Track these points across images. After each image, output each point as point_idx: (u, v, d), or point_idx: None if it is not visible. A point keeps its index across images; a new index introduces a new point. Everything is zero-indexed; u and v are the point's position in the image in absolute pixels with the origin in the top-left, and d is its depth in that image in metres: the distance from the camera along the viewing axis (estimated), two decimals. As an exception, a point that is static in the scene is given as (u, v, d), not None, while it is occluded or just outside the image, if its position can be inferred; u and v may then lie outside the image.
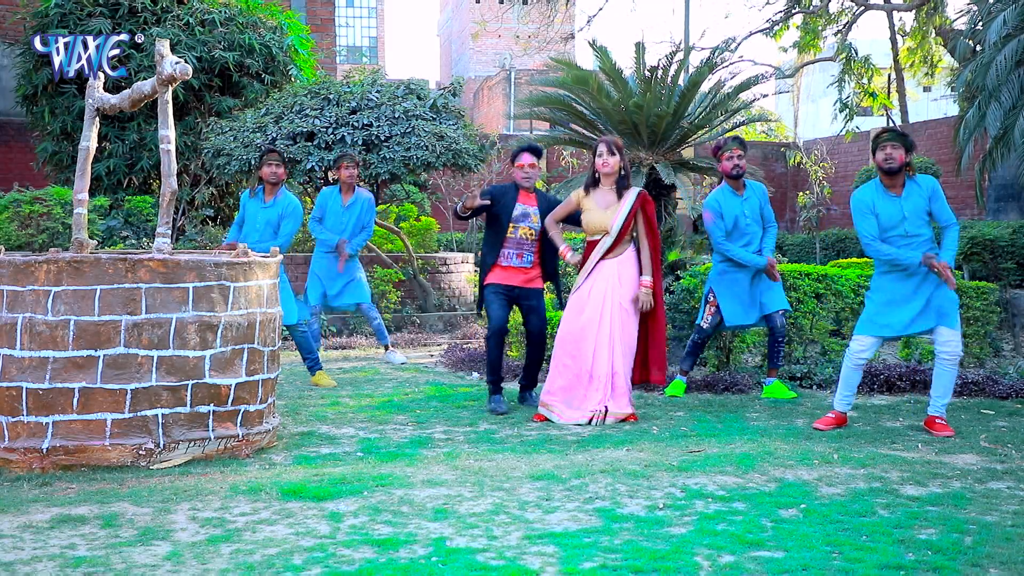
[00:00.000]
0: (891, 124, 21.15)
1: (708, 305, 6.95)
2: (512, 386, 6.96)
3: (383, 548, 3.55)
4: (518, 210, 6.37)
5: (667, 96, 8.99)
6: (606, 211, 6.15)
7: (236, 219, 7.55)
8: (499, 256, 6.38)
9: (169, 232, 5.17)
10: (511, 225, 6.34)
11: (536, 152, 6.43)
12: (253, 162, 10.15)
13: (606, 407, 5.98)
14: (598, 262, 6.15)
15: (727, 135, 7.82)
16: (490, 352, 6.38)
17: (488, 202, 6.37)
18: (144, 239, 11.10)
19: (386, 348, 8.75)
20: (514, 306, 6.52)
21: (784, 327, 6.88)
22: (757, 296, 6.85)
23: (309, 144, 10.41)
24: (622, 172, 6.19)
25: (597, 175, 6.22)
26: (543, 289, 6.57)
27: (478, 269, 6.58)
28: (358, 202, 8.27)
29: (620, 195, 6.18)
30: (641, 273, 6.15)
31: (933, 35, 18.42)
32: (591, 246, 6.24)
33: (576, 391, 6.07)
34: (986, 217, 15.63)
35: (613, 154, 6.14)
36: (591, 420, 5.95)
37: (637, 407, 6.33)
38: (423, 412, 6.35)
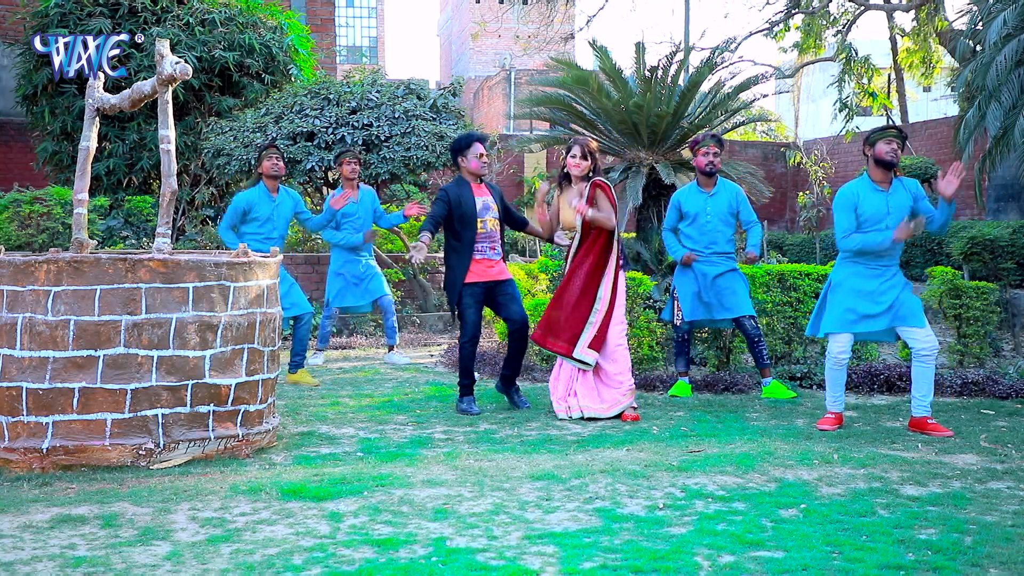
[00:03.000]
0: (891, 124, 21.16)
1: (675, 302, 7.00)
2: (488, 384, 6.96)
3: (383, 548, 3.55)
4: (480, 204, 6.32)
5: (667, 96, 9.00)
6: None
7: (231, 216, 7.24)
8: (473, 252, 6.30)
9: (169, 232, 5.17)
10: (479, 220, 6.30)
11: (485, 141, 6.53)
12: (253, 162, 10.15)
13: (576, 395, 6.05)
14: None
15: (710, 132, 7.83)
16: (465, 358, 6.32)
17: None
18: (144, 239, 11.11)
19: (390, 348, 8.73)
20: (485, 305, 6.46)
21: (755, 328, 6.89)
22: (720, 297, 6.88)
23: (309, 144, 10.42)
24: (590, 173, 6.24)
25: (568, 174, 6.29)
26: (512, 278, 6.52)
27: (444, 271, 6.50)
28: (365, 197, 8.29)
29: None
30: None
31: (932, 35, 18.41)
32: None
33: (559, 381, 6.18)
34: (986, 217, 15.62)
35: (585, 158, 6.22)
36: (568, 414, 6.04)
37: (637, 407, 6.33)
38: (423, 412, 6.35)
